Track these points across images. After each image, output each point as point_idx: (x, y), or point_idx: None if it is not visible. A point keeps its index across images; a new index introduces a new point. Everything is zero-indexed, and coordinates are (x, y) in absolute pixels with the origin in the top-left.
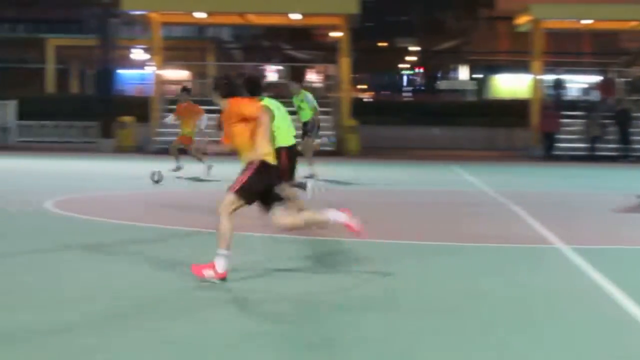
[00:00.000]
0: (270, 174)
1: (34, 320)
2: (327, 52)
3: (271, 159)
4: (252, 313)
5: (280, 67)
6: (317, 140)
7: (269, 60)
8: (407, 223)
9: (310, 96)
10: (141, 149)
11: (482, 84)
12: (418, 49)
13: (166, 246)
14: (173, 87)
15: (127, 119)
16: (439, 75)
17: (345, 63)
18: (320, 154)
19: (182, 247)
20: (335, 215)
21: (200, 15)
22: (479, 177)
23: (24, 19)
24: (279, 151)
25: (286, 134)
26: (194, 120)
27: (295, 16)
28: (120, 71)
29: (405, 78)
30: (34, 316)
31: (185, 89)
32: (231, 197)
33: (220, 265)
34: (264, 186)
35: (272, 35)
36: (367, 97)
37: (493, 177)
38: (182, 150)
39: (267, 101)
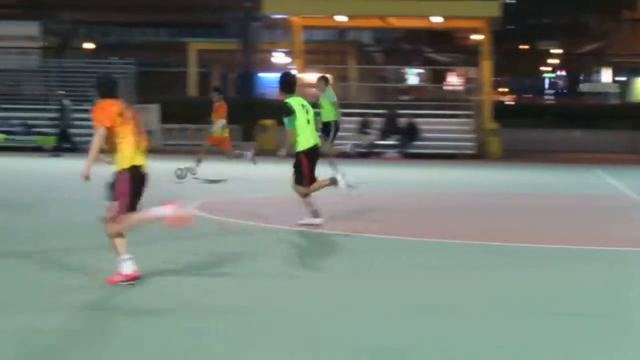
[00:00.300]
0: (139, 179)
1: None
2: (468, 55)
3: (135, 163)
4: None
5: (421, 70)
6: (342, 147)
7: (410, 63)
8: (550, 226)
9: (331, 93)
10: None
11: (625, 87)
12: (560, 51)
13: (312, 249)
14: (314, 90)
15: (268, 122)
16: (581, 78)
17: (486, 66)
18: (461, 157)
19: (339, 253)
20: (162, 211)
21: (341, 18)
22: (621, 181)
23: (167, 24)
24: (298, 155)
25: (307, 136)
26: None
27: (437, 19)
28: (261, 74)
29: (546, 81)
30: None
31: (217, 89)
32: (116, 210)
33: (127, 268)
34: (138, 191)
35: (412, 38)
36: (508, 100)
37: (636, 181)
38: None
39: (293, 100)
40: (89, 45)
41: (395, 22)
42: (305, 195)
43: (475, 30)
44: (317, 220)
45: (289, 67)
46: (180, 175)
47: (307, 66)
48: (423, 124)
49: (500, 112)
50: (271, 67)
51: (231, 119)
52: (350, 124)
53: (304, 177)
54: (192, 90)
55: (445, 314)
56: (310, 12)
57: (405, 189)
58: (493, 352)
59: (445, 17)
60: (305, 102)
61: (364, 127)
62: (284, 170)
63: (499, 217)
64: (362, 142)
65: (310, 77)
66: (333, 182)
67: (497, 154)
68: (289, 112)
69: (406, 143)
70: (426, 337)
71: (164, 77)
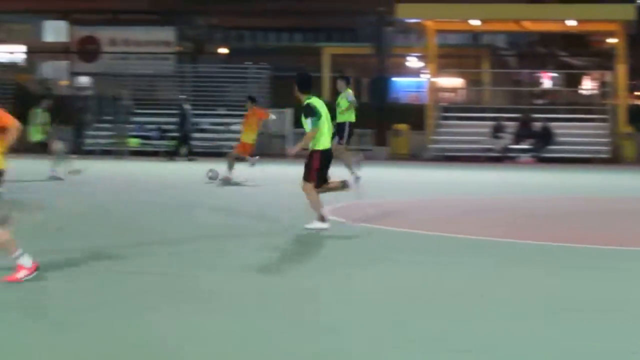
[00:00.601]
0: None
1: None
2: (602, 59)
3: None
4: None
5: (555, 74)
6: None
7: (544, 67)
8: None
9: (350, 94)
10: (415, 157)
11: None
12: None
13: (457, 255)
14: (447, 94)
15: (401, 126)
16: None
17: (621, 69)
18: (595, 161)
19: (487, 258)
20: (24, 259)
21: (475, 22)
22: None
23: (301, 28)
24: (312, 154)
25: (326, 137)
26: (258, 125)
27: (571, 22)
28: (395, 79)
29: None
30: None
31: (250, 97)
32: None
33: (26, 261)
34: None
35: (546, 41)
36: None
37: None
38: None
39: (315, 100)
40: (223, 50)
41: (529, 25)
42: (312, 197)
43: (610, 34)
44: (324, 225)
45: (422, 71)
46: (212, 177)
47: (440, 70)
48: (557, 128)
49: (635, 115)
50: (404, 72)
51: (364, 124)
52: (483, 128)
53: (311, 174)
54: (326, 94)
55: (579, 318)
56: (444, 17)
57: (539, 194)
58: (628, 359)
59: (580, 21)
60: (322, 103)
61: (497, 131)
62: (414, 175)
63: (637, 222)
64: (496, 146)
65: (445, 81)
66: (344, 185)
67: (632, 157)
68: (314, 112)
69: (540, 147)
70: (557, 342)
71: None
